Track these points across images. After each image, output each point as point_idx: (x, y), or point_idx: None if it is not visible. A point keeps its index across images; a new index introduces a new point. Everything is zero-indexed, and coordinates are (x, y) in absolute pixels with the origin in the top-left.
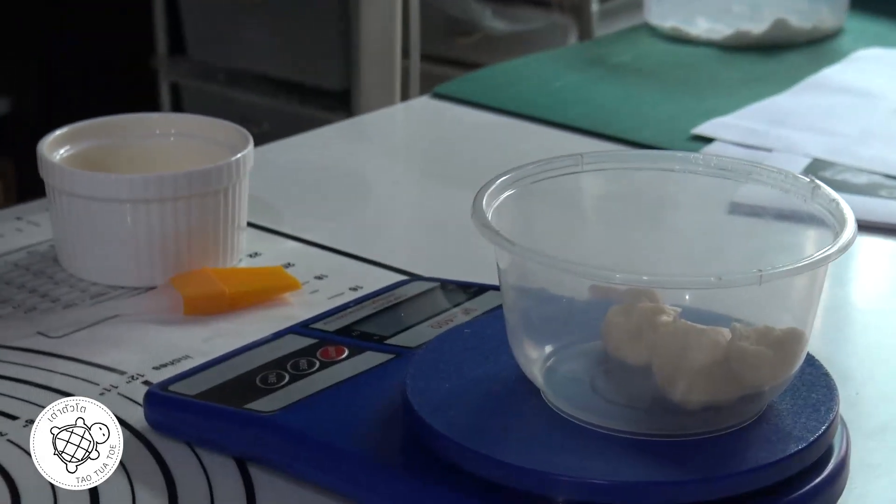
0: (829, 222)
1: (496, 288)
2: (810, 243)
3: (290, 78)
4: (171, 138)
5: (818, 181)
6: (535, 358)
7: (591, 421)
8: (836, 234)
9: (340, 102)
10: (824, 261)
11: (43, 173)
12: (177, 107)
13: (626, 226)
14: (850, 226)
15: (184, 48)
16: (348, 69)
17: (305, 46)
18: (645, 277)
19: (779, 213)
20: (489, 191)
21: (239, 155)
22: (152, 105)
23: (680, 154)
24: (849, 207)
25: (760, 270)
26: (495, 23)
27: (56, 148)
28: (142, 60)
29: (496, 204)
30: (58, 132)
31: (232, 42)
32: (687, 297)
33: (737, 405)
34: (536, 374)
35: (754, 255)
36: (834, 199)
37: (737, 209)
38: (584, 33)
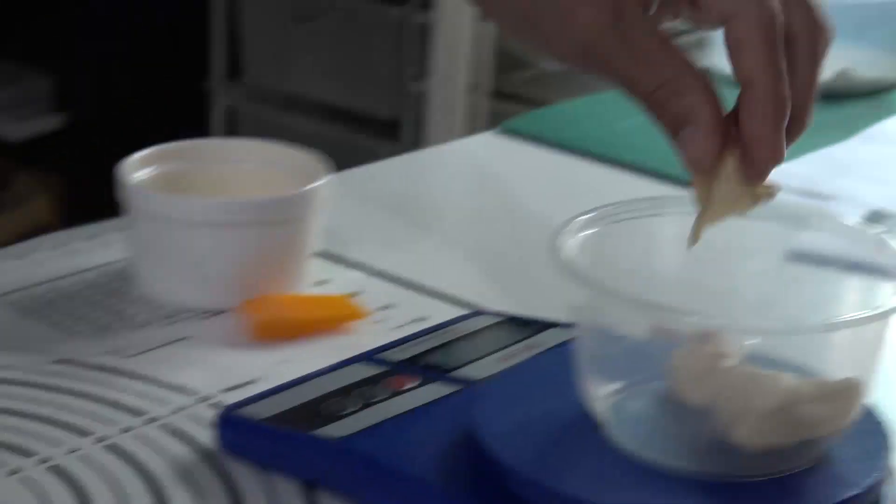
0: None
1: (561, 325)
2: (874, 294)
3: (342, 105)
4: (249, 164)
5: (884, 237)
6: (600, 395)
7: (653, 459)
8: None
9: (391, 132)
10: (890, 312)
11: (121, 194)
12: (231, 131)
13: (694, 270)
14: None
15: (240, 72)
16: (400, 99)
17: (360, 75)
18: (715, 321)
19: (842, 264)
20: (566, 229)
21: (315, 184)
22: (204, 128)
23: None
24: None
25: (829, 319)
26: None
27: (136, 169)
28: (196, 82)
29: (573, 242)
30: (138, 154)
31: (287, 67)
32: (751, 342)
33: (796, 450)
34: (601, 410)
35: (820, 304)
36: None
37: (801, 257)
38: None
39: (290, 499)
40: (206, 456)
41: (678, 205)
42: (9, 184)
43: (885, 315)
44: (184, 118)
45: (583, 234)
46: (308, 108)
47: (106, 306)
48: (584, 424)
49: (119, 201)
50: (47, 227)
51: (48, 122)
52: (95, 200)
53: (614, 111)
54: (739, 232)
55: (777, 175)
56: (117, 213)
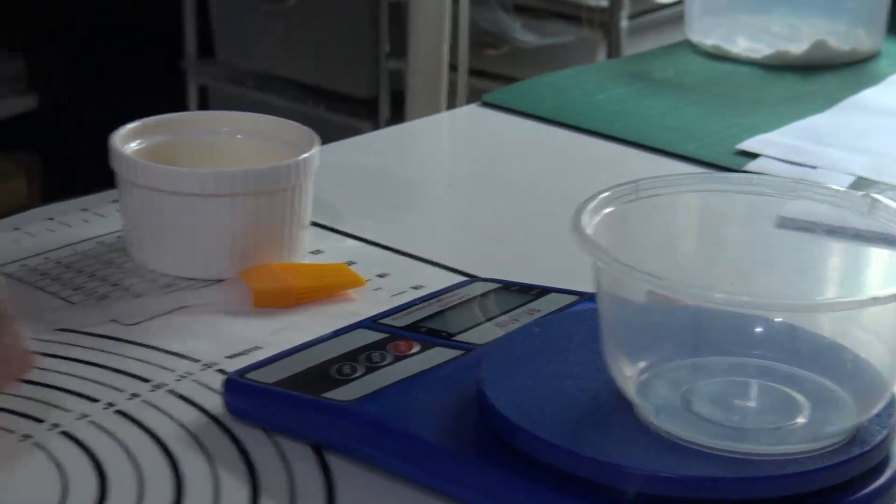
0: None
1: (558, 290)
2: (877, 260)
3: (317, 84)
4: (239, 136)
5: (876, 195)
6: (628, 374)
7: (680, 436)
8: None
9: (367, 110)
10: None
11: (115, 165)
12: (203, 109)
13: (688, 246)
14: None
15: (213, 51)
16: (375, 77)
17: (335, 53)
18: (745, 298)
19: (831, 229)
20: (586, 207)
21: (306, 154)
22: (181, 108)
23: (732, 175)
24: None
25: (874, 296)
26: (525, 36)
27: (127, 141)
28: (171, 62)
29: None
30: (129, 126)
31: (261, 46)
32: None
33: None
34: (629, 387)
35: (807, 270)
36: None
37: (786, 224)
38: (613, 49)
39: (300, 462)
40: (215, 421)
41: (692, 182)
42: None
43: None
44: (159, 98)
45: (604, 211)
46: (282, 87)
47: (102, 277)
48: (592, 386)
49: (112, 173)
50: (25, 208)
51: (21, 104)
52: (72, 179)
53: (593, 83)
54: (726, 205)
55: (759, 144)
56: (95, 190)
